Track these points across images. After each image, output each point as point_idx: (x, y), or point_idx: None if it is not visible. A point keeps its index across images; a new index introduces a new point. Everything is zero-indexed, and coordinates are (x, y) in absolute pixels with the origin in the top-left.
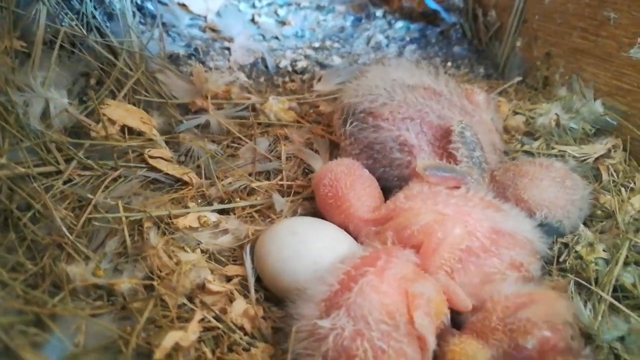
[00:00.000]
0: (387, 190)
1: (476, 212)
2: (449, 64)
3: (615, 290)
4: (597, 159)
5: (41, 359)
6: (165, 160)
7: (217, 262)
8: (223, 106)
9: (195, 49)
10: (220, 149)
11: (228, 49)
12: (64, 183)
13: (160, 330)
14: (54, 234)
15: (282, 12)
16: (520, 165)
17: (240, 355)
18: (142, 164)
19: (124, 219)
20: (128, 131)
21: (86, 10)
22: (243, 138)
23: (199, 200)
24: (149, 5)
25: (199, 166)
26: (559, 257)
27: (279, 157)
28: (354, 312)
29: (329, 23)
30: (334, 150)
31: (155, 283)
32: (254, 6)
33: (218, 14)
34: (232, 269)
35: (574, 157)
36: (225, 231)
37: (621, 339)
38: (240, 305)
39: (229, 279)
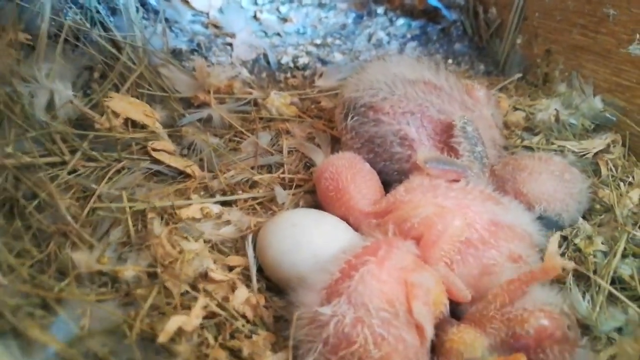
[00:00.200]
0: (388, 184)
1: (475, 205)
2: (450, 61)
3: (613, 282)
4: (596, 154)
5: (48, 339)
6: (168, 153)
7: (220, 253)
8: (225, 100)
9: (198, 45)
10: (222, 142)
11: (230, 44)
12: (69, 173)
13: (163, 316)
14: (58, 223)
15: (284, 9)
16: (520, 159)
17: (242, 342)
18: (145, 157)
19: (127, 209)
20: (131, 124)
21: (90, 5)
22: (245, 132)
23: (202, 193)
24: (152, 1)
25: (201, 159)
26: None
27: (280, 151)
28: (355, 300)
29: (330, 20)
30: (335, 144)
31: (158, 270)
32: (256, 3)
33: (220, 10)
34: (234, 259)
35: (573, 152)
36: (228, 222)
37: (619, 329)
38: (242, 294)
39: (231, 269)
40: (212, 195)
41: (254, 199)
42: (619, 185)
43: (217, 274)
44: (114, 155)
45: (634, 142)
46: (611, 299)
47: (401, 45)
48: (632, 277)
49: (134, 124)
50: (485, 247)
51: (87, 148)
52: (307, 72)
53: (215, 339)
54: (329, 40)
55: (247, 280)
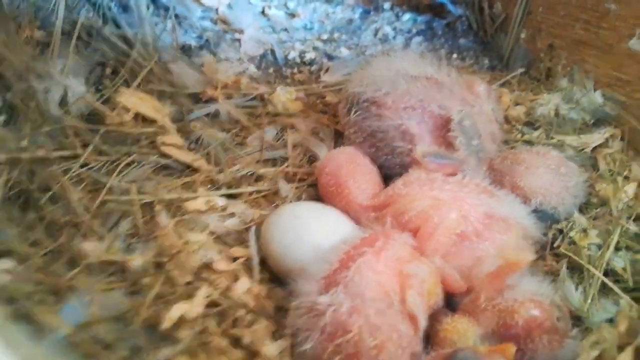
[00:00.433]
0: (390, 178)
1: (471, 198)
2: (455, 55)
3: (606, 274)
4: (594, 148)
5: (58, 323)
6: (177, 147)
7: (224, 244)
8: (232, 96)
9: (207, 41)
10: (229, 137)
11: (238, 40)
12: (81, 167)
13: (167, 304)
14: (70, 214)
15: (291, 4)
16: (517, 154)
17: (243, 331)
18: (154, 151)
19: (136, 201)
20: (141, 119)
21: (102, 2)
22: (251, 127)
23: (208, 186)
24: None
25: (208, 153)
26: (553, 242)
27: (285, 146)
28: (351, 290)
29: (337, 15)
30: (339, 139)
31: (164, 261)
32: None
33: (229, 6)
34: (237, 251)
35: (572, 146)
36: (232, 215)
37: (610, 321)
38: (244, 284)
39: (234, 260)
40: (218, 189)
41: (259, 192)
42: (616, 179)
43: (221, 264)
44: (124, 150)
45: (633, 137)
46: (603, 291)
47: (407, 40)
48: (624, 269)
49: (144, 119)
50: (479, 239)
51: (98, 142)
52: (314, 68)
53: (217, 327)
54: (336, 35)
55: (250, 271)
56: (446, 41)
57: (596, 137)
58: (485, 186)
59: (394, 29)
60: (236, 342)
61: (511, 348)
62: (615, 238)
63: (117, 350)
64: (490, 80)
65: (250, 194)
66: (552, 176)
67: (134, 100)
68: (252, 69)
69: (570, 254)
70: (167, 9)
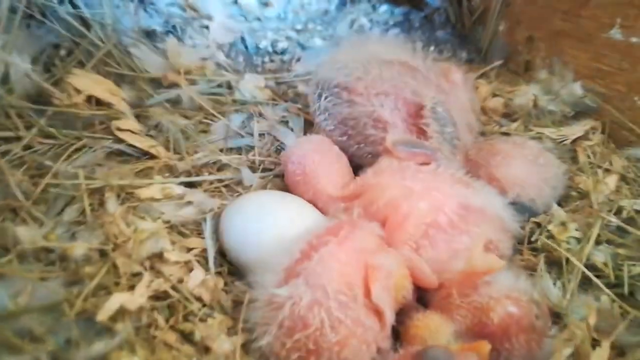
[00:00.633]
0: (361, 169)
1: (445, 188)
2: (432, 48)
3: (586, 269)
4: (574, 140)
5: None
6: (133, 132)
7: (180, 234)
8: (197, 82)
9: (173, 26)
10: (191, 124)
11: (207, 27)
12: (23, 149)
13: (109, 295)
14: (8, 199)
15: None
16: (494, 144)
17: (195, 325)
18: (108, 136)
19: (84, 186)
20: (95, 102)
21: None
22: (216, 114)
23: (166, 174)
24: None
25: (168, 140)
26: (530, 236)
27: (251, 134)
28: (312, 281)
29: (312, 6)
30: (309, 128)
31: (109, 249)
32: None
33: None
34: (193, 241)
35: (551, 138)
36: (190, 203)
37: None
38: (198, 276)
39: (189, 251)
40: (177, 177)
41: (220, 181)
42: (596, 172)
43: (173, 255)
44: (74, 133)
45: (613, 129)
46: (583, 286)
47: (383, 31)
48: (605, 264)
49: (98, 102)
50: (454, 231)
51: (44, 124)
52: (286, 57)
53: (167, 321)
54: (310, 26)
55: (206, 263)
56: (423, 33)
57: (576, 129)
58: (461, 176)
59: (370, 20)
60: (187, 337)
61: (485, 346)
62: (595, 231)
63: (45, 344)
64: (468, 73)
65: (211, 182)
66: (530, 167)
67: (86, 82)
68: (221, 56)
69: (550, 247)
70: None
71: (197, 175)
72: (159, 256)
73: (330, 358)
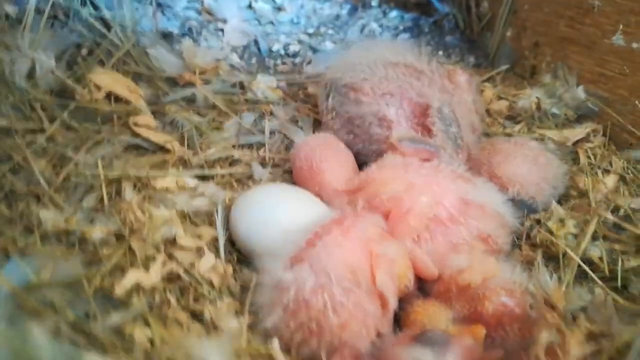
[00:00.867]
0: (366, 166)
1: (445, 183)
2: (441, 53)
3: (582, 263)
4: (576, 142)
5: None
6: (149, 128)
7: (192, 224)
8: (211, 81)
9: (189, 29)
10: (205, 121)
11: (222, 30)
12: (47, 141)
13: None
14: (32, 185)
15: None
16: (496, 144)
17: (206, 307)
18: (126, 130)
19: (102, 176)
20: (114, 99)
21: None
22: (229, 113)
23: (180, 168)
24: None
25: (182, 136)
26: (530, 232)
27: (262, 132)
28: (317, 267)
29: (325, 11)
30: (318, 127)
31: (126, 233)
32: None
33: None
34: (205, 230)
35: (553, 140)
36: (202, 195)
37: (584, 309)
38: (209, 260)
39: (201, 239)
40: (190, 170)
41: (231, 175)
42: (596, 173)
43: (186, 241)
44: (94, 127)
45: (614, 132)
46: (579, 280)
47: (393, 36)
48: (601, 259)
49: (117, 99)
50: (453, 225)
51: (66, 118)
52: (298, 60)
53: (178, 301)
54: (322, 30)
55: (216, 250)
56: (432, 38)
57: (578, 132)
58: (462, 173)
59: (381, 25)
60: (196, 317)
61: (481, 330)
62: (592, 227)
63: (65, 315)
64: (473, 75)
65: (223, 176)
66: (530, 166)
67: (107, 79)
68: (235, 58)
69: (548, 243)
70: None
71: (210, 169)
72: (172, 241)
73: (332, 339)
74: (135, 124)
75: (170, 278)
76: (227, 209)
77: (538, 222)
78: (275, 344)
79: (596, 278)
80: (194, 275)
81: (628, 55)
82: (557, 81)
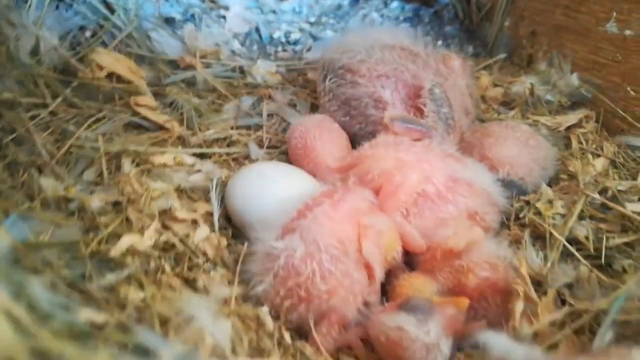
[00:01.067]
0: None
1: (435, 161)
2: (440, 42)
3: (569, 242)
4: (569, 128)
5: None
6: (150, 108)
7: (188, 199)
8: (211, 65)
9: (192, 15)
10: (204, 103)
11: (224, 17)
12: (50, 115)
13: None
14: (34, 156)
15: None
16: (487, 127)
17: (199, 276)
18: (127, 109)
19: (102, 151)
20: (116, 79)
21: None
22: (229, 95)
23: (179, 147)
24: None
25: (182, 116)
26: (519, 212)
27: (261, 114)
28: (306, 236)
29: (327, 1)
30: (316, 112)
31: (123, 202)
32: None
33: None
34: (200, 205)
35: (546, 126)
36: (199, 172)
37: (569, 285)
38: (203, 232)
39: (196, 212)
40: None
41: (229, 154)
42: (587, 156)
43: (181, 212)
44: (95, 105)
45: (607, 118)
46: (564, 258)
47: (393, 26)
48: (587, 238)
49: (119, 79)
50: (441, 201)
51: (69, 95)
52: (298, 47)
53: (172, 269)
54: (324, 19)
55: (211, 224)
56: (432, 28)
57: (570, 118)
58: (452, 152)
59: (382, 15)
60: (189, 284)
61: (464, 301)
62: (579, 207)
63: (62, 273)
64: (468, 61)
65: (221, 155)
66: (521, 148)
67: (109, 59)
68: (236, 45)
69: (536, 222)
70: None
71: (208, 148)
72: (168, 213)
73: (320, 305)
74: (136, 104)
75: (166, 248)
76: (223, 187)
77: (527, 203)
78: (265, 308)
79: (579, 256)
80: (188, 245)
81: (621, 43)
82: (552, 69)
